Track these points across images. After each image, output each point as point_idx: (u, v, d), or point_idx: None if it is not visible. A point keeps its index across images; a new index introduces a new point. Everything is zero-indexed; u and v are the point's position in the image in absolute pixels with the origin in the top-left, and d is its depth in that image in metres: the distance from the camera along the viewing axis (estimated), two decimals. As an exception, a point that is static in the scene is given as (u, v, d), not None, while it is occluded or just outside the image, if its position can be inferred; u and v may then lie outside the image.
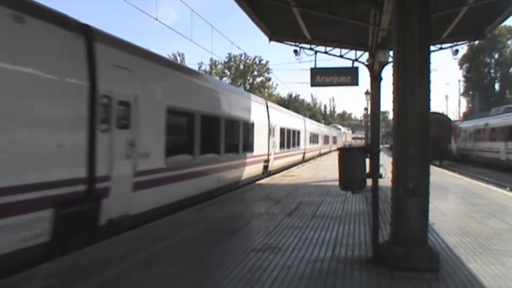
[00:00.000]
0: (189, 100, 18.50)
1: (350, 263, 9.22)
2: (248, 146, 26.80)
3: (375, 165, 9.44)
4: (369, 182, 9.47)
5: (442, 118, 55.38)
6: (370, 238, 10.47)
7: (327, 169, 34.63)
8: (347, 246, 10.61)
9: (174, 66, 20.02)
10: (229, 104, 23.65)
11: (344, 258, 9.57)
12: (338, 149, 9.88)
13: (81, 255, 9.73)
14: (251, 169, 27.24)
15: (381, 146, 41.80)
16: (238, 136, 24.86)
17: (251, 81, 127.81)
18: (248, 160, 26.52)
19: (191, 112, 18.36)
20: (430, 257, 8.86)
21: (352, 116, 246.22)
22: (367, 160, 9.47)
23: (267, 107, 32.48)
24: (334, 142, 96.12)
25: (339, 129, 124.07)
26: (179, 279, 8.17)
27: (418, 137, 9.08)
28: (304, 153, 49.20)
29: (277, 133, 34.94)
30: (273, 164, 33.21)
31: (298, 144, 45.17)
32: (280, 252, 10.00)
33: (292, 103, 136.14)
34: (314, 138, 58.65)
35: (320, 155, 65.57)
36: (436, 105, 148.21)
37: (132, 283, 8.04)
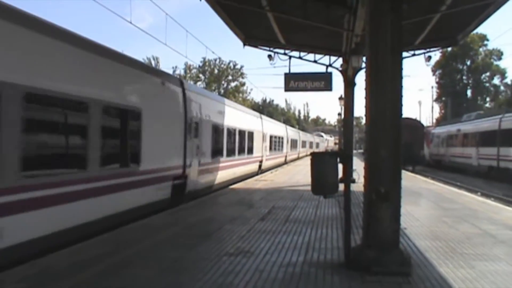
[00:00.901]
0: (226, 119, 27.39)
1: (322, 267, 9.23)
2: (251, 150, 34.96)
3: (348, 170, 9.47)
4: (342, 186, 9.50)
5: (415, 124, 56.85)
6: (342, 242, 10.48)
7: (301, 174, 34.59)
8: (319, 251, 10.62)
9: (220, 99, 30.09)
10: (242, 119, 32.82)
11: (316, 262, 9.57)
12: (311, 154, 9.89)
13: (54, 259, 9.63)
14: (252, 166, 35.78)
15: (354, 151, 42.18)
16: (247, 142, 33.51)
17: (225, 85, 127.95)
18: (251, 159, 35.04)
19: (224, 127, 26.97)
20: (402, 261, 8.91)
21: (326, 121, 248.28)
22: (340, 165, 9.49)
23: (261, 119, 41.00)
24: (317, 147, 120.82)
25: (322, 136, 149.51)
26: (153, 283, 8.12)
27: (390, 142, 9.12)
28: (286, 156, 57.55)
29: (268, 140, 42.77)
30: (265, 164, 41.08)
31: (282, 149, 53.92)
32: (253, 256, 9.98)
33: (266, 108, 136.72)
34: (294, 143, 68.57)
35: (300, 158, 76.67)
36: (410, 111, 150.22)
37: (105, 287, 7.97)
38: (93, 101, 12.73)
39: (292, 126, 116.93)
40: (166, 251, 10.37)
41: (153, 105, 16.86)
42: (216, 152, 25.03)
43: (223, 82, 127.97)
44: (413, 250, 10.76)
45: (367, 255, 8.96)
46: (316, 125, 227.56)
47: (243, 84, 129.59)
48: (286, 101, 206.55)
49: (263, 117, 43.56)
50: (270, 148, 44.90)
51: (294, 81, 26.14)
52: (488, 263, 9.69)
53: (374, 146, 9.28)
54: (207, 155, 23.11)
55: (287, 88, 26.41)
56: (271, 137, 45.44)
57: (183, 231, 12.94)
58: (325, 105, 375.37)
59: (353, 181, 9.43)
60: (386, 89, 9.13)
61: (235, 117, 30.18)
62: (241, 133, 31.28)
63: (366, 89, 9.46)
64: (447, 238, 12.18)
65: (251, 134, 34.51)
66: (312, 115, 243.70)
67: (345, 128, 9.54)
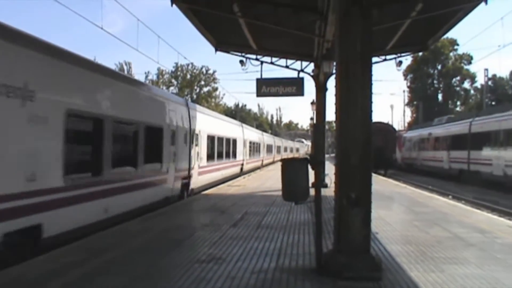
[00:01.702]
0: (215, 129, 32.62)
1: (294, 273, 9.24)
2: (235, 154, 40.56)
3: (319, 175, 9.50)
4: (313, 192, 9.53)
5: (387, 128, 57.35)
6: (314, 248, 10.49)
7: (273, 179, 34.55)
8: (291, 256, 10.63)
9: (210, 112, 35.95)
10: (228, 128, 38.77)
11: (288, 268, 9.59)
12: (281, 160, 9.91)
13: (25, 268, 9.55)
14: (236, 169, 41.55)
15: (327, 156, 42.39)
16: (232, 148, 39.03)
17: (198, 90, 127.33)
18: (235, 163, 40.94)
19: (215, 136, 32.21)
20: (373, 266, 8.96)
21: (299, 126, 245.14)
22: (312, 170, 9.52)
23: (242, 127, 47.33)
24: (297, 151, 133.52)
25: (303, 141, 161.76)
26: (124, 291, 8.09)
27: (361, 147, 9.17)
28: (262, 160, 63.42)
29: (247, 146, 48.70)
30: (246, 167, 46.70)
31: (259, 153, 60.48)
32: (224, 263, 9.96)
33: (239, 113, 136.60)
34: (269, 149, 75.47)
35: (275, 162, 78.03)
36: (381, 115, 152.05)
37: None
38: (142, 122, 18.29)
39: (265, 131, 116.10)
40: (138, 259, 10.33)
41: (171, 122, 21.90)
42: (210, 157, 30.53)
43: (195, 87, 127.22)
44: (384, 254, 10.81)
45: (338, 261, 9.00)
46: (289, 130, 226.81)
47: (215, 89, 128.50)
48: (258, 106, 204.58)
49: (244, 125, 50.10)
50: (250, 153, 49.50)
51: (266, 86, 26.20)
52: (458, 267, 9.76)
53: (344, 152, 9.34)
54: (203, 159, 28.52)
55: (259, 94, 26.44)
56: (250, 143, 50.56)
57: (156, 237, 12.91)
58: (298, 110, 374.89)
59: (325, 186, 9.52)
60: (356, 95, 9.19)
61: (222, 126, 36.61)
62: (228, 140, 37.43)
63: (336, 95, 9.51)
64: (418, 242, 12.26)
65: (235, 141, 41.02)
66: (285, 120, 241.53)
67: (316, 133, 9.48)
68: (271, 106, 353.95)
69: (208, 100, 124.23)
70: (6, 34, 10.80)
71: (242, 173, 44.12)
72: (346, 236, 9.11)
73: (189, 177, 24.77)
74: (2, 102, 10.19)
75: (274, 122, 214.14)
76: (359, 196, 9.09)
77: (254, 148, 54.81)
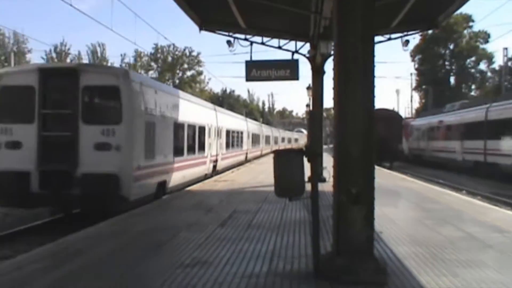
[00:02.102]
0: (231, 125, 46.67)
1: (289, 277, 9.27)
2: (241, 145, 53.71)
3: (316, 168, 9.52)
4: (309, 187, 9.52)
5: (392, 115, 58.11)
6: (311, 249, 10.51)
7: (265, 173, 34.58)
8: (285, 259, 10.65)
9: (232, 114, 52.76)
10: (238, 123, 52.21)
11: (282, 272, 9.61)
12: (273, 151, 9.92)
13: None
14: (242, 157, 54.08)
15: (325, 147, 42.40)
16: (241, 139, 52.28)
17: (180, 75, 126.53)
18: (242, 151, 54.11)
19: (231, 130, 46.12)
20: (376, 269, 8.97)
21: (294, 114, 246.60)
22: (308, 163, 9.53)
23: (246, 121, 60.17)
24: (296, 141, 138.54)
25: (302, 131, 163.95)
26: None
27: (362, 137, 9.18)
28: (261, 150, 74.42)
29: (250, 137, 60.56)
30: (249, 155, 59.49)
31: (259, 144, 71.84)
32: (211, 267, 9.97)
33: (226, 100, 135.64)
34: (268, 139, 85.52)
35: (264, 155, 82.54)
36: (386, 101, 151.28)
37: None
38: (197, 124, 31.41)
39: (255, 119, 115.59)
40: (113, 265, 10.33)
41: (208, 122, 35.31)
42: (227, 146, 45.10)
43: (177, 71, 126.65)
44: (390, 257, 10.84)
45: (338, 263, 9.02)
46: (283, 118, 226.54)
47: (200, 73, 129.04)
48: (248, 91, 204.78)
49: (248, 119, 54.68)
50: (227, 145, 45.56)
51: (256, 70, 26.13)
52: (473, 271, 9.75)
53: (344, 142, 9.32)
54: (224, 148, 42.51)
55: (249, 78, 26.41)
56: (252, 135, 55.67)
57: (133, 240, 12.90)
58: (292, 96, 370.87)
59: (323, 180, 9.52)
60: (357, 78, 9.15)
61: (234, 122, 50.14)
62: (238, 133, 50.99)
63: (334, 79, 9.49)
64: (428, 243, 12.25)
65: (242, 133, 53.54)
66: (278, 107, 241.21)
67: (312, 121, 9.25)
68: (262, 91, 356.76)
69: (192, 85, 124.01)
70: (167, 89, 31.15)
71: (246, 160, 57.41)
72: (346, 236, 9.11)
73: (216, 161, 38.05)
74: (164, 121, 24.12)
75: (266, 109, 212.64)
76: (360, 191, 9.08)
77: (267, 139, 67.96)
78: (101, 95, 20.93)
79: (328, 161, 13.96)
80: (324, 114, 38.38)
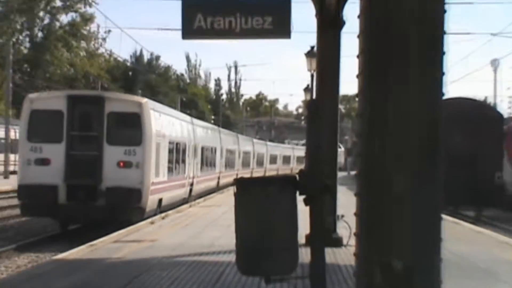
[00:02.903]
0: (209, 140, 46.87)
1: None
2: (213, 165, 49.39)
3: (320, 218, 4.95)
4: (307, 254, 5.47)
5: (481, 113, 34.99)
6: None
7: (219, 224, 22.23)
8: None
9: (206, 126, 52.34)
10: (212, 137, 50.14)
11: None
12: (235, 181, 5.57)
13: None
14: (214, 182, 48.83)
15: (342, 174, 34.01)
16: (213, 159, 48.72)
17: (47, 22, 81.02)
18: (214, 175, 48.70)
19: (208, 146, 44.38)
20: None
21: (280, 106, 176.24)
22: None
23: (219, 133, 55.96)
24: (300, 162, 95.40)
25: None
26: None
27: (417, 153, 4.87)
28: (237, 173, 58.92)
29: (224, 155, 55.65)
30: (222, 181, 52.50)
31: (234, 165, 62.76)
32: None
33: (144, 74, 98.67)
34: (246, 158, 70.78)
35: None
36: (469, 82, 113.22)
37: None
38: (213, 146, 46.49)
39: (202, 113, 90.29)
40: None
41: (190, 138, 36.63)
42: (228, 165, 55.59)
43: (41, 12, 79.08)
44: None
45: None
46: (258, 114, 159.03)
47: (88, 19, 78.74)
48: (187, 59, 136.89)
49: (195, 121, 43.04)
50: (202, 166, 42.07)
51: (204, 16, 16.23)
52: None
53: (380, 166, 4.94)
54: (224, 166, 53.48)
55: (189, 32, 16.33)
56: (202, 149, 42.53)
57: None
58: (279, 71, 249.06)
59: (337, 242, 4.99)
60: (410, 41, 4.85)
61: (233, 142, 60.60)
62: (239, 152, 62.17)
63: (362, 38, 5.10)
64: None
65: (239, 151, 61.78)
66: (249, 92, 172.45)
67: (313, 121, 5.47)
68: (216, 61, 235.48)
69: (71, 42, 79.53)
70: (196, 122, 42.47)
71: (218, 187, 50.59)
72: None
73: (192, 184, 36.77)
74: (164, 141, 27.65)
75: (224, 97, 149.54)
76: (411, 266, 4.85)
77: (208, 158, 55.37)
78: (124, 120, 24.91)
79: (347, 202, 9.24)
80: (341, 107, 25.76)
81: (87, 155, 23.57)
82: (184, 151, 34.02)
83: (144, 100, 29.52)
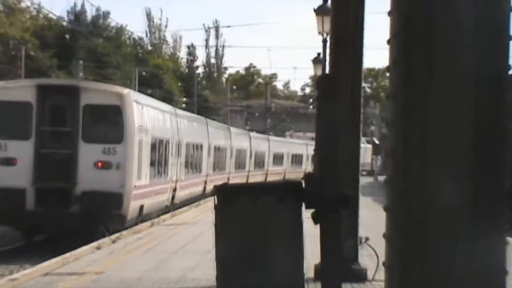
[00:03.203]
0: (241, 145, 58.69)
1: None
2: (199, 167, 45.16)
3: (335, 242, 3.80)
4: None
5: None
6: None
7: (192, 250, 19.75)
8: None
9: (225, 128, 59.22)
10: (198, 130, 46.61)
11: None
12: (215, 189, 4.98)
13: None
14: (200, 188, 45.01)
15: (366, 181, 31.61)
16: (200, 158, 45.21)
17: None
18: (199, 178, 45.31)
19: (194, 143, 40.71)
20: None
21: (279, 85, 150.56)
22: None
23: (207, 125, 51.80)
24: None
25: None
26: None
27: (472, 152, 3.54)
28: (229, 176, 55.41)
29: (212, 153, 51.94)
30: (209, 186, 46.43)
31: (225, 166, 58.41)
32: None
33: (87, 38, 76.49)
34: (239, 157, 63.82)
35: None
36: None
37: None
38: (199, 143, 42.79)
39: (169, 93, 74.70)
40: None
41: (210, 140, 45.14)
42: (239, 165, 58.14)
43: None
44: None
45: None
46: (246, 94, 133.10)
47: None
48: (148, 17, 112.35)
49: (178, 112, 38.98)
50: (186, 167, 38.66)
51: None
52: None
53: (419, 171, 3.62)
54: (183, 172, 41.16)
55: None
56: (187, 147, 38.60)
57: None
58: (275, 36, 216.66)
59: (360, 276, 4.17)
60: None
61: (243, 141, 64.64)
62: (244, 151, 63.96)
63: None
64: None
65: (245, 151, 65.18)
66: (235, 64, 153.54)
67: (325, 105, 4.46)
68: (190, 20, 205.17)
69: None
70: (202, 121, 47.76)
71: (204, 193, 44.06)
72: None
73: (206, 182, 39.70)
74: (147, 139, 25.08)
75: (200, 70, 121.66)
76: None
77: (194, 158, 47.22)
78: (102, 114, 22.89)
79: (373, 220, 7.93)
80: (366, 86, 23.78)
81: (60, 154, 21.98)
82: (166, 149, 30.23)
83: (126, 90, 27.94)
